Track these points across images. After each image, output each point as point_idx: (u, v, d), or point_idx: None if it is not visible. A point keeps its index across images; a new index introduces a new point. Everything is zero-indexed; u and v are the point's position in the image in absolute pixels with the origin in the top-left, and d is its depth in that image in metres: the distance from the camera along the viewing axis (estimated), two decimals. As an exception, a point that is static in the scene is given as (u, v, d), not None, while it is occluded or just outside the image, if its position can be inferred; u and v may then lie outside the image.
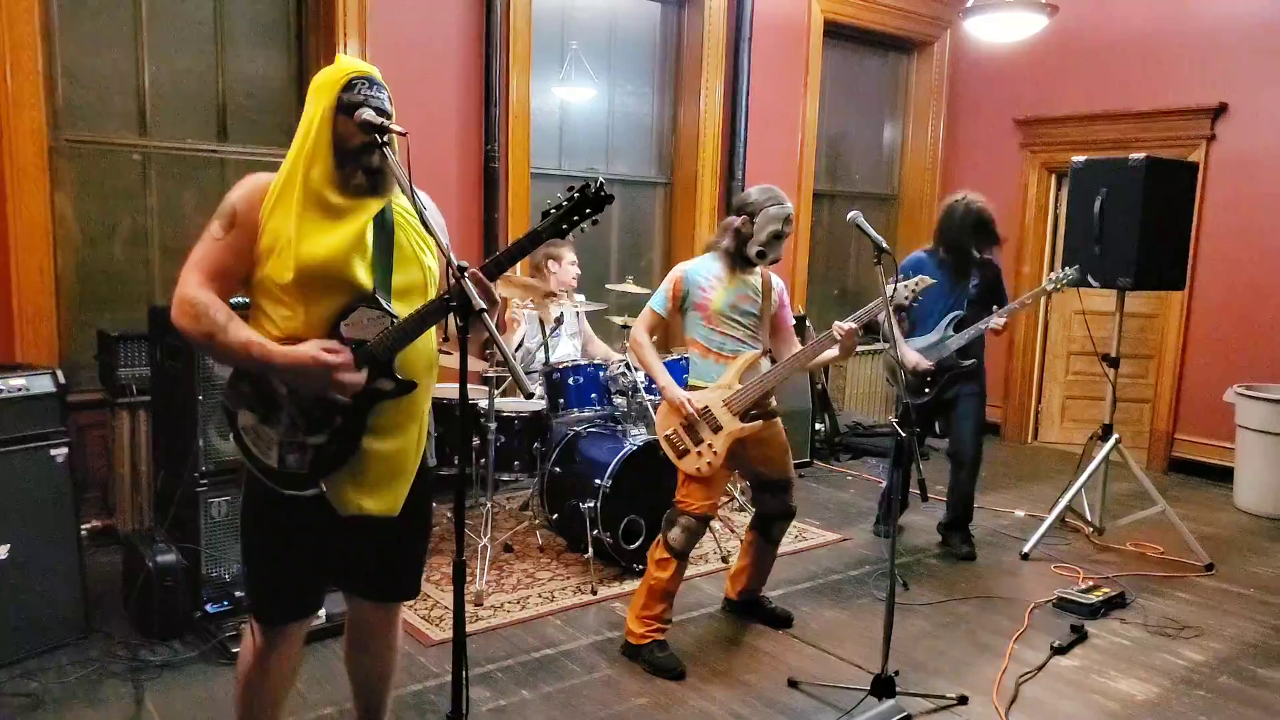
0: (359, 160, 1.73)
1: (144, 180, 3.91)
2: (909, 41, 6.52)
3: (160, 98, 3.90)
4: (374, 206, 1.77)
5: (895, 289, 2.73)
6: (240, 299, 1.80)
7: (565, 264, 4.16)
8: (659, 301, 2.95)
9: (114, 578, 3.21)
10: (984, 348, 3.95)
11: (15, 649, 2.72)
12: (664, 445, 2.90)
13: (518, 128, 4.62)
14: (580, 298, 4.29)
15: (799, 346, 3.04)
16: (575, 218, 1.73)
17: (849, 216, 2.69)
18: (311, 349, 1.69)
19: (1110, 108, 5.71)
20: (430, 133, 4.34)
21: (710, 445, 2.84)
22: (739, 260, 2.90)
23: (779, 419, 3.03)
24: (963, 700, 2.71)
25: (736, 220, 2.90)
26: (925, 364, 3.81)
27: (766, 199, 2.86)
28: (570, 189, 1.73)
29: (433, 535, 3.86)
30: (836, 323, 2.84)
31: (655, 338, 2.99)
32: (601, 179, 1.74)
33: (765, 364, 2.95)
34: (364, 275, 1.75)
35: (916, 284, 2.85)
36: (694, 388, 2.92)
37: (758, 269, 2.96)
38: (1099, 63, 5.78)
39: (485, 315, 1.60)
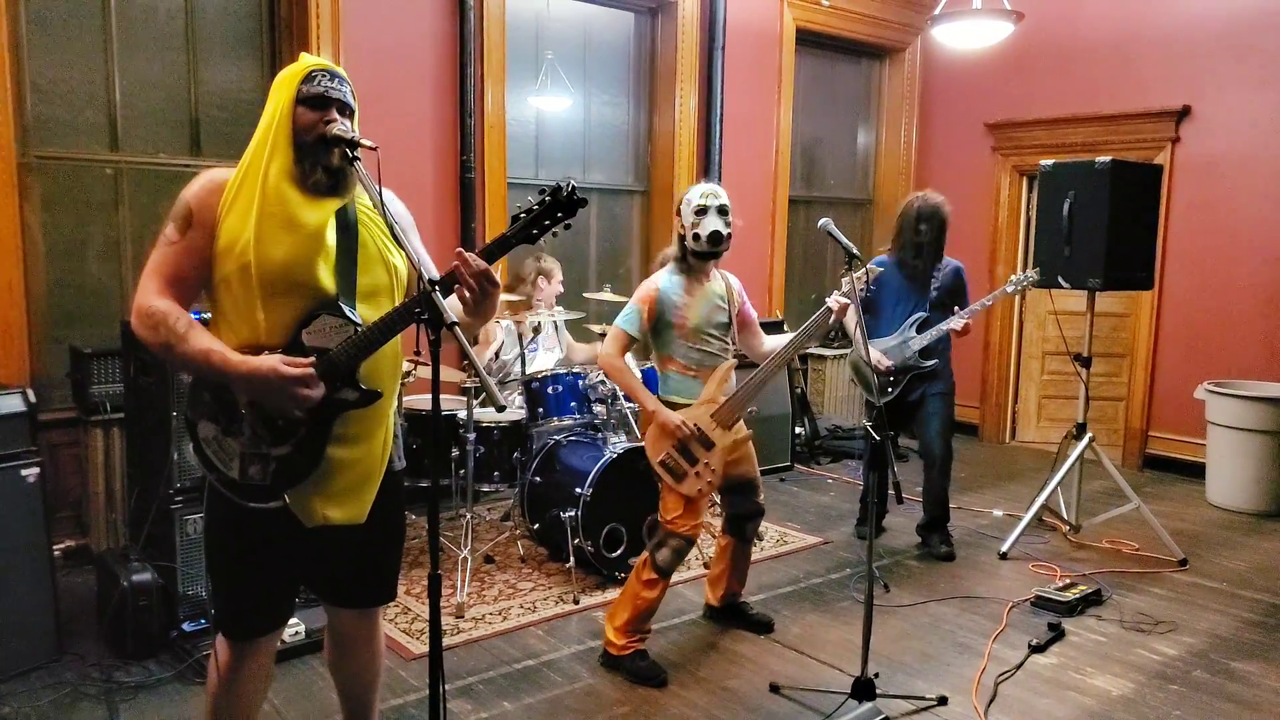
0: (318, 158, 1.70)
1: (116, 195, 3.87)
2: (881, 48, 6.60)
3: (131, 112, 3.87)
4: (334, 206, 1.73)
5: (849, 283, 2.69)
6: (203, 314, 1.77)
7: (555, 282, 4.23)
8: (631, 322, 2.87)
9: (88, 598, 3.17)
10: (949, 348, 3.99)
11: (-13, 672, 2.68)
12: (659, 471, 2.83)
13: (493, 138, 4.62)
14: (559, 309, 4.30)
15: (765, 337, 3.03)
16: (546, 222, 1.67)
17: (820, 224, 2.72)
18: (273, 360, 1.64)
19: (1078, 111, 5.81)
20: (405, 143, 4.33)
21: (708, 464, 2.81)
22: (693, 260, 2.88)
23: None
24: (942, 701, 2.73)
25: (675, 225, 2.92)
26: (886, 362, 3.85)
27: (685, 193, 2.89)
28: (542, 192, 1.67)
29: (412, 548, 3.86)
30: (831, 297, 2.79)
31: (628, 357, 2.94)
32: (573, 181, 1.67)
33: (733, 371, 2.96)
34: (326, 278, 1.70)
35: (865, 274, 2.79)
36: (672, 404, 2.89)
37: (717, 275, 2.96)
38: (1066, 67, 5.87)
39: (457, 329, 1.58)
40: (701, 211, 2.80)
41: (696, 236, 2.81)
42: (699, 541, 3.94)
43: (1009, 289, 3.91)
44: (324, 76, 1.72)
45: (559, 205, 1.66)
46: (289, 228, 1.68)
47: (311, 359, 1.68)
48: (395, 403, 1.89)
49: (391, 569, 2.02)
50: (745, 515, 3.12)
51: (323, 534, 1.80)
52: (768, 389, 4.76)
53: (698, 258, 2.87)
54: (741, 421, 2.97)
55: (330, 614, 2.04)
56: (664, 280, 2.90)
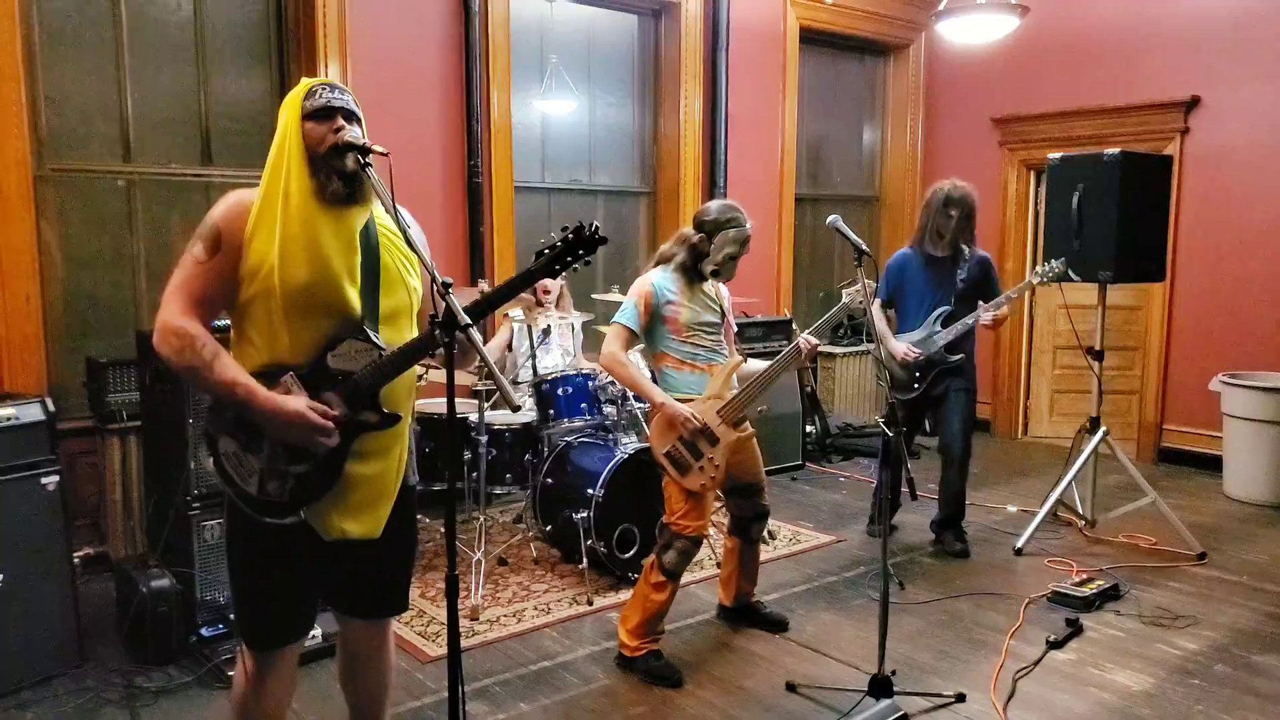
0: (332, 165, 1.72)
1: (129, 206, 3.91)
2: (885, 45, 6.59)
3: (144, 123, 3.91)
4: (355, 219, 1.76)
5: (850, 295, 2.81)
6: (223, 321, 1.79)
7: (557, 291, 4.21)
8: (629, 316, 2.89)
9: (107, 605, 3.20)
10: (974, 343, 3.94)
11: (9, 679, 2.71)
12: (665, 464, 2.85)
13: (500, 142, 4.64)
14: (576, 313, 4.31)
15: (734, 353, 3.09)
16: (569, 258, 1.74)
17: (828, 221, 2.72)
18: (300, 405, 1.68)
19: (1086, 104, 5.78)
20: (413, 150, 4.36)
21: (711, 459, 2.82)
22: (693, 274, 2.92)
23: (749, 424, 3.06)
24: (960, 698, 2.72)
25: (694, 236, 2.90)
26: (914, 353, 3.81)
27: (726, 219, 2.87)
28: (565, 229, 1.73)
29: (426, 551, 3.88)
30: (802, 336, 2.90)
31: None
32: (596, 223, 1.74)
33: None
34: (353, 300, 1.74)
35: (860, 289, 2.74)
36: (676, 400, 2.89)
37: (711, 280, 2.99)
38: (1073, 60, 5.85)
39: (472, 331, 1.60)
40: (733, 258, 2.90)
41: (716, 273, 2.91)
42: (710, 540, 3.95)
43: (1034, 280, 3.84)
44: (324, 89, 1.76)
45: (581, 243, 1.73)
46: (313, 250, 1.71)
47: (337, 414, 1.72)
48: (410, 420, 1.92)
49: (404, 581, 2.05)
50: (749, 518, 3.12)
51: (339, 547, 1.83)
52: (771, 391, 4.71)
53: (700, 275, 2.93)
54: (748, 421, 2.98)
55: (342, 625, 2.06)
56: (657, 277, 2.93)
